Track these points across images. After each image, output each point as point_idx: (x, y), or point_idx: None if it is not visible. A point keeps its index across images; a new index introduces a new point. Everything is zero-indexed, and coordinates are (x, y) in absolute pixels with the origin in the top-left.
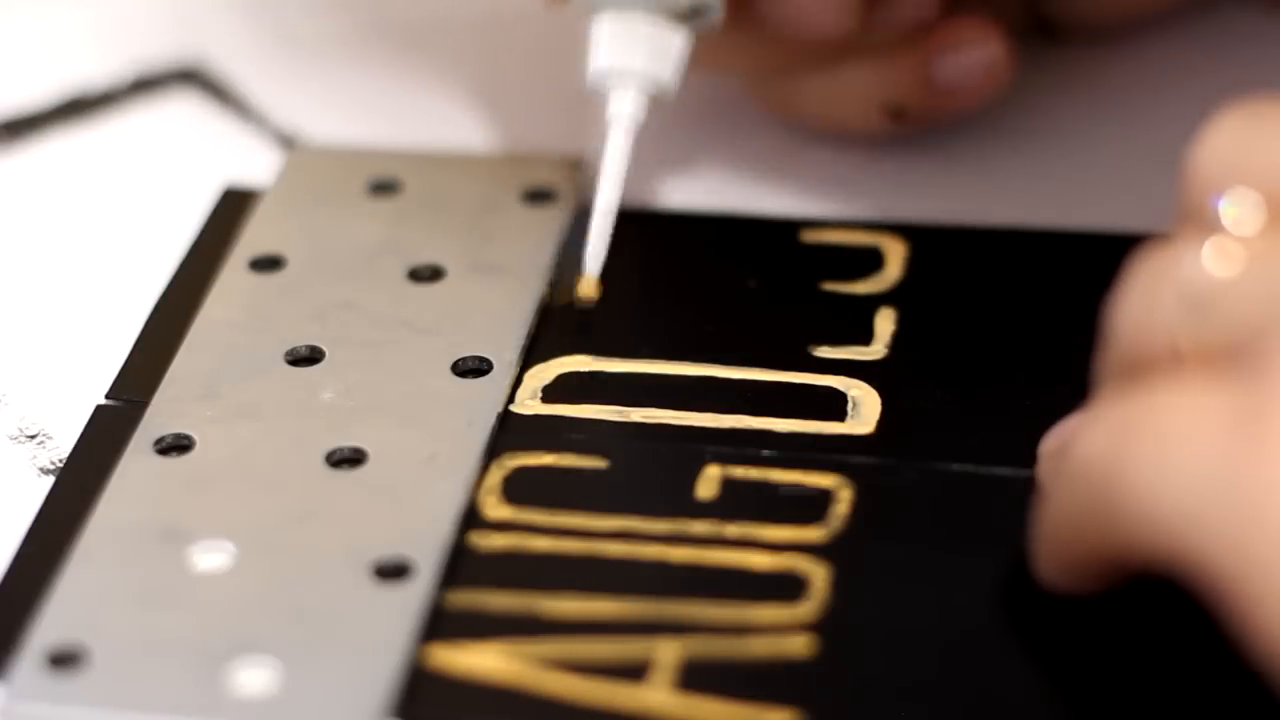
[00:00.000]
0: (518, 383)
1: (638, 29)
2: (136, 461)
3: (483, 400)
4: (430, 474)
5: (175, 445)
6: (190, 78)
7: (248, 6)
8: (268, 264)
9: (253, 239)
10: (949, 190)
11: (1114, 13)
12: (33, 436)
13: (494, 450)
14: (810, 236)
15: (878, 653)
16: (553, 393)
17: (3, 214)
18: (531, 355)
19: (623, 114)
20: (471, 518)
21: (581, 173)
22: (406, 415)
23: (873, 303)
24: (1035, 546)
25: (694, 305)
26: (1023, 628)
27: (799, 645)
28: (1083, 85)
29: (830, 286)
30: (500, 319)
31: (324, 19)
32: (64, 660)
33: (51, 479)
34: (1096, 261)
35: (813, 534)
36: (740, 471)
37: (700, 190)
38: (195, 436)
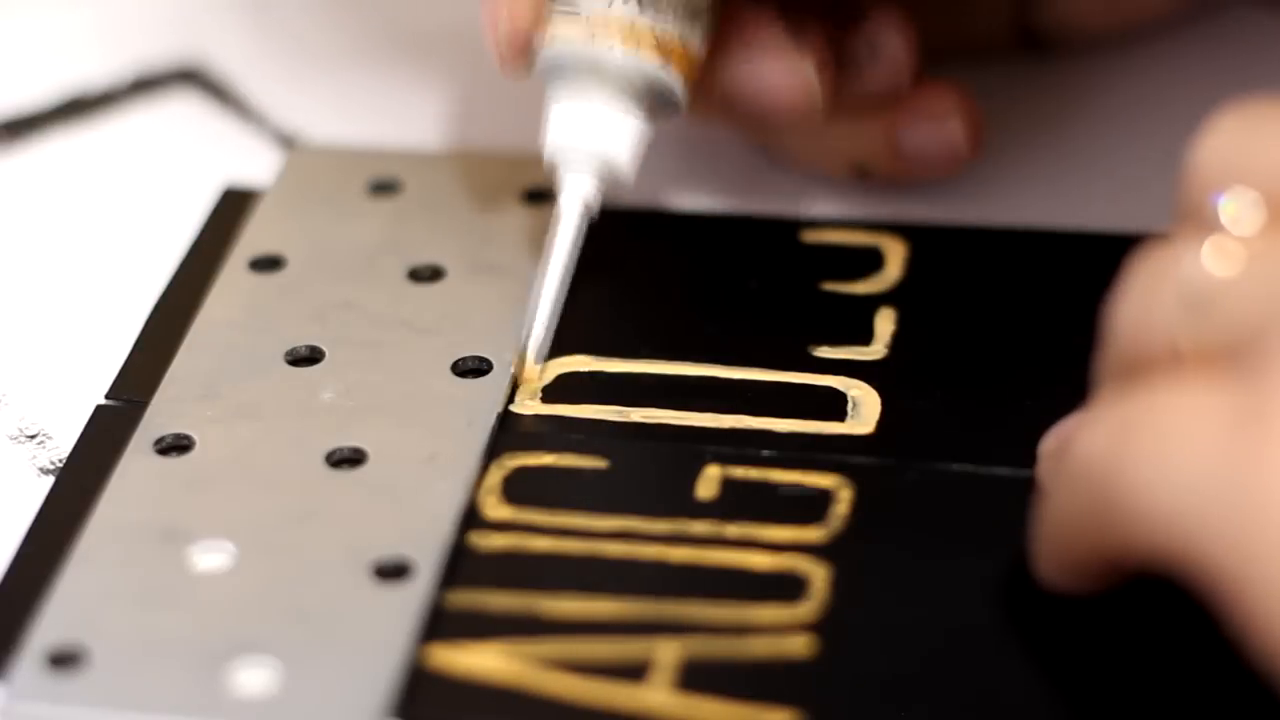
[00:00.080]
0: (517, 382)
1: (598, 115)
2: (136, 461)
3: (483, 400)
4: (430, 474)
5: (175, 445)
6: (190, 78)
7: (248, 7)
8: (268, 264)
9: (253, 239)
10: (949, 190)
11: (1101, 24)
12: (33, 436)
13: (494, 450)
14: (810, 236)
15: (877, 653)
16: (553, 393)
17: (3, 214)
18: None
19: (574, 200)
20: (471, 518)
21: None
22: (406, 415)
23: (873, 303)
24: (1035, 546)
25: (694, 305)
26: (1022, 628)
27: (799, 645)
28: (1082, 85)
29: (830, 286)
30: (500, 319)
31: (324, 19)
32: (64, 660)
33: (51, 479)
34: (1096, 261)
35: (813, 534)
36: (740, 471)
37: (700, 190)
38: (195, 436)
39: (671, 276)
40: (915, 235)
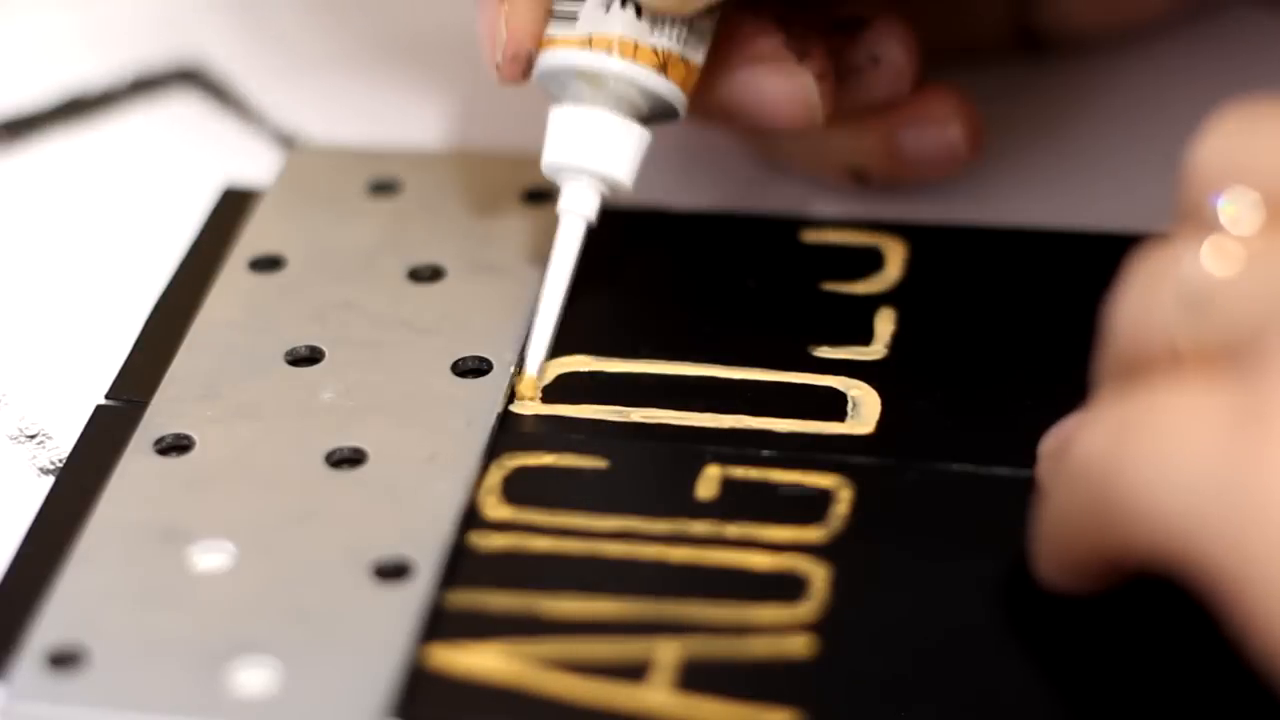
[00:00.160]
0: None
1: (597, 125)
2: (136, 461)
3: (482, 400)
4: (430, 474)
5: (175, 445)
6: (190, 78)
7: (248, 7)
8: (268, 264)
9: (253, 239)
10: (949, 190)
11: (1100, 25)
12: (33, 436)
13: (494, 450)
14: (810, 236)
15: (877, 653)
16: (553, 393)
17: (3, 214)
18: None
19: (573, 213)
20: (471, 518)
21: None
22: (406, 415)
23: (873, 303)
24: (1035, 546)
25: (694, 305)
26: (1022, 628)
27: (799, 645)
28: (1082, 85)
29: (830, 286)
30: (500, 319)
31: (324, 20)
32: (64, 660)
33: (51, 479)
34: (1096, 261)
35: (813, 534)
36: (740, 471)
37: (700, 190)
38: (195, 436)
39: (671, 276)
40: (915, 235)
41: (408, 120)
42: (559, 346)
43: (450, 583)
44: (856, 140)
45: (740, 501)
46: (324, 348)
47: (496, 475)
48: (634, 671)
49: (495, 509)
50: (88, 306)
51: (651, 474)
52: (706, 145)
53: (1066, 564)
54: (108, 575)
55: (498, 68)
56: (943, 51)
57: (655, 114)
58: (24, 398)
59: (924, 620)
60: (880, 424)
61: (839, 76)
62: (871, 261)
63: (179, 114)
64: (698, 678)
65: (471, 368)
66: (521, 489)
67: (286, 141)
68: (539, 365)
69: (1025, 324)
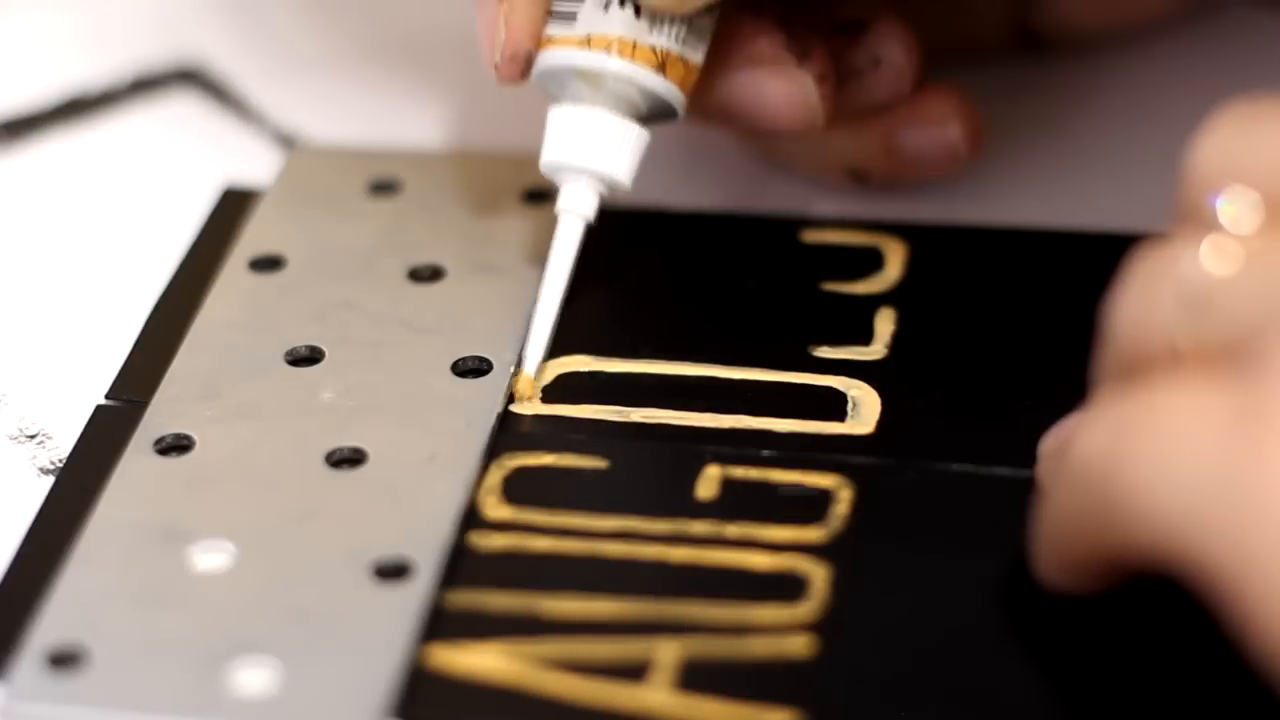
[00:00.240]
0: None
1: (595, 124)
2: (136, 461)
3: (482, 400)
4: (430, 474)
5: (175, 445)
6: (190, 78)
7: (247, 7)
8: (268, 264)
9: (253, 239)
10: (949, 190)
11: (1100, 24)
12: (33, 436)
13: (494, 450)
14: (810, 236)
15: (877, 653)
16: (553, 393)
17: (3, 214)
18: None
19: (572, 213)
20: (471, 518)
21: None
22: (406, 415)
23: (873, 303)
24: (1034, 546)
25: (694, 305)
26: (1022, 628)
27: (799, 645)
28: (1082, 85)
29: (830, 286)
30: (500, 319)
31: (324, 20)
32: (64, 660)
33: (51, 479)
34: (1096, 261)
35: (813, 534)
36: (740, 471)
37: (700, 190)
38: (195, 436)
39: (671, 276)
40: (915, 235)
41: (407, 120)
42: (559, 346)
43: (450, 583)
44: (856, 140)
45: (740, 501)
46: (324, 348)
47: (496, 475)
48: (634, 671)
49: (495, 509)
50: (88, 306)
51: (651, 474)
52: (706, 145)
53: (1066, 564)
54: (108, 575)
55: (497, 67)
56: (943, 51)
57: (654, 113)
58: (24, 398)
59: (924, 620)
60: (880, 424)
61: (839, 78)
62: (871, 261)
63: (179, 114)
64: (698, 678)
65: (471, 368)
66: (521, 489)
67: (286, 141)
68: (537, 365)
69: (1025, 324)
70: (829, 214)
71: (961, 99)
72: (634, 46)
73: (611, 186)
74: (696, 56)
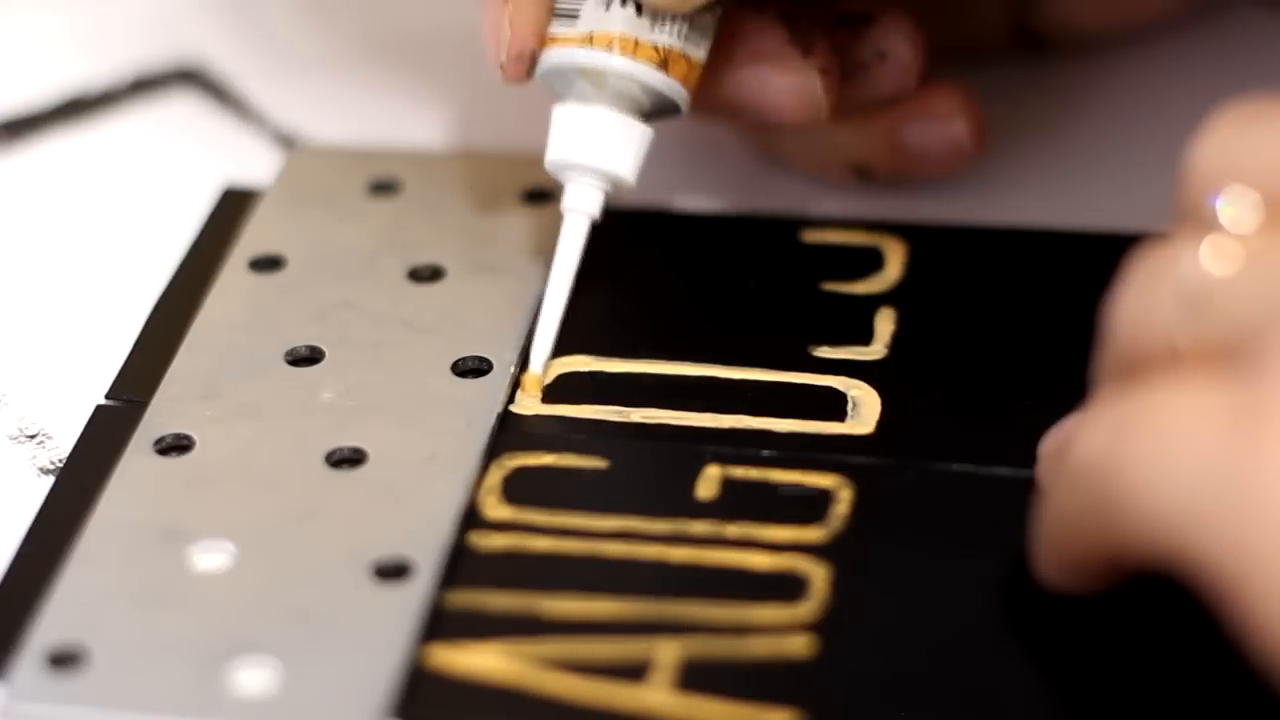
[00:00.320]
0: (518, 383)
1: (599, 122)
2: (136, 461)
3: (483, 400)
4: (430, 474)
5: (175, 445)
6: (190, 78)
7: (248, 7)
8: (268, 264)
9: (253, 239)
10: (949, 190)
11: (1100, 25)
12: (33, 436)
13: (494, 450)
14: (810, 236)
15: (877, 653)
16: (553, 393)
17: (3, 214)
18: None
19: (578, 211)
20: (471, 518)
21: None
22: (406, 415)
23: (873, 303)
24: (1035, 546)
25: (694, 305)
26: (1022, 628)
27: (799, 645)
28: (1082, 85)
29: (830, 286)
30: (500, 319)
31: (324, 20)
32: (64, 660)
33: (51, 479)
34: (1096, 261)
35: (813, 534)
36: (740, 471)
37: (700, 190)
38: (195, 436)
39: (671, 276)
40: (915, 235)
41: (408, 120)
42: (560, 346)
43: (450, 583)
44: (860, 136)
45: (740, 501)
46: (324, 348)
47: (496, 475)
48: (634, 671)
49: (495, 509)
50: (88, 306)
51: (651, 474)
52: (707, 145)
53: (1066, 564)
54: (108, 575)
55: (502, 67)
56: (942, 51)
57: (657, 110)
58: (24, 398)
59: (924, 620)
60: (880, 424)
61: (844, 72)
62: (871, 261)
63: (179, 114)
64: (698, 678)
65: (471, 368)
66: (521, 489)
67: (286, 141)
68: (543, 362)
69: (1025, 324)
70: (829, 214)
71: (966, 95)
72: (636, 44)
73: (616, 184)
74: (699, 53)
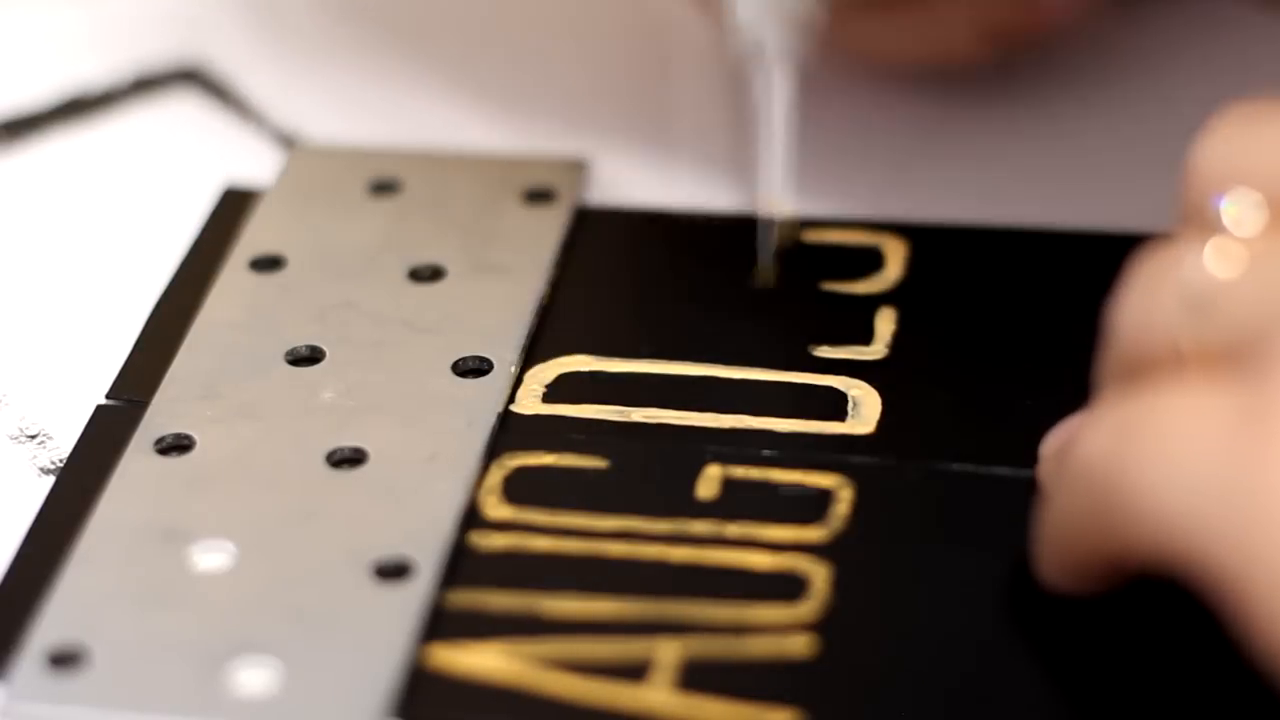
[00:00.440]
0: (518, 383)
1: None
2: (136, 461)
3: (483, 400)
4: (430, 474)
5: (175, 445)
6: (190, 78)
7: (248, 6)
8: (268, 264)
9: (253, 239)
10: (949, 190)
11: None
12: (33, 436)
13: (494, 450)
14: (810, 236)
15: (878, 653)
16: (553, 393)
17: (3, 214)
18: (532, 355)
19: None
20: (472, 518)
21: (581, 173)
22: (407, 415)
23: (873, 303)
24: (1036, 547)
25: (694, 305)
26: (1024, 628)
27: (799, 645)
28: (1083, 84)
29: (830, 286)
30: (500, 319)
31: (325, 19)
32: (64, 660)
33: (51, 479)
34: (1097, 261)
35: (813, 534)
36: (740, 471)
37: (701, 190)
38: (195, 436)
39: (671, 276)
40: (915, 235)
41: (408, 120)
42: (559, 346)
43: (450, 583)
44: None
45: (740, 501)
46: (324, 348)
47: (497, 475)
48: (634, 671)
49: (495, 509)
50: (88, 306)
51: (652, 474)
52: (708, 144)
53: (1068, 565)
54: (108, 575)
55: None
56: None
57: None
58: (24, 398)
59: (924, 620)
60: (880, 424)
61: None
62: (871, 261)
63: (179, 114)
64: (698, 677)
65: (472, 368)
66: (522, 489)
67: (287, 141)
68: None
69: (1025, 324)
70: (829, 214)
71: None
72: None
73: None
74: None
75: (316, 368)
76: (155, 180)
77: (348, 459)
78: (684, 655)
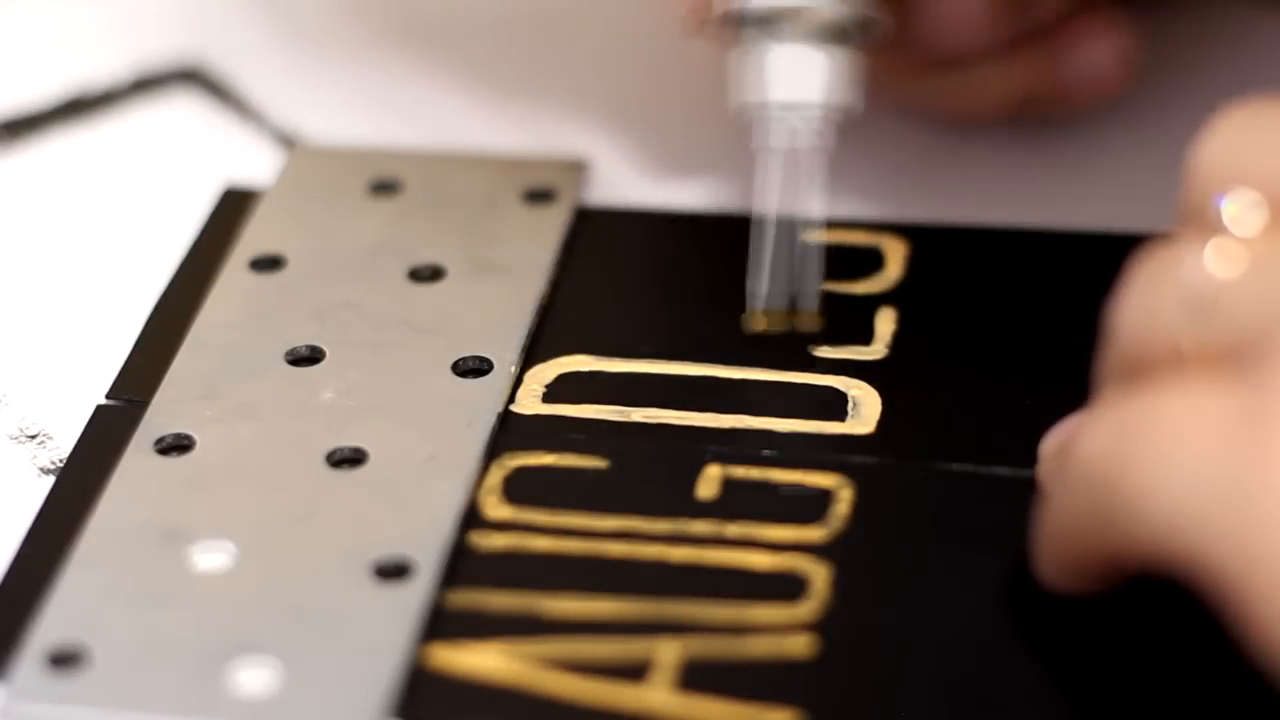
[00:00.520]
0: (518, 383)
1: (801, 58)
2: (136, 461)
3: (483, 400)
4: (430, 474)
5: (175, 445)
6: (190, 77)
7: (248, 6)
8: (268, 264)
9: (253, 239)
10: (949, 190)
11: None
12: (33, 436)
13: (494, 450)
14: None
15: (878, 653)
16: (553, 393)
17: (3, 214)
18: (531, 355)
19: (804, 146)
20: (472, 518)
21: (582, 173)
22: (407, 415)
23: (873, 303)
24: (1036, 547)
25: (694, 305)
26: (1023, 628)
27: (799, 645)
28: None
29: (830, 286)
30: (500, 319)
31: (325, 19)
32: (64, 660)
33: (51, 479)
34: (1097, 261)
35: (813, 534)
36: (740, 471)
37: (701, 190)
38: (195, 436)
39: (671, 276)
40: (915, 235)
41: (408, 120)
42: (559, 346)
43: (450, 583)
44: (1018, 70)
45: (740, 501)
46: (324, 348)
47: (497, 475)
48: (634, 671)
49: (495, 509)
50: (88, 306)
51: (652, 474)
52: (708, 144)
53: (1068, 564)
54: (108, 575)
55: (684, 20)
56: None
57: (852, 32)
58: (24, 398)
59: (924, 620)
60: (880, 424)
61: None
62: (871, 261)
63: (180, 114)
64: (698, 677)
65: (472, 368)
66: (522, 489)
67: (287, 141)
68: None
69: (1025, 324)
70: (829, 214)
71: (1114, 16)
72: None
73: (839, 111)
74: None
75: (316, 368)
76: (155, 180)
77: (348, 459)
78: (684, 655)
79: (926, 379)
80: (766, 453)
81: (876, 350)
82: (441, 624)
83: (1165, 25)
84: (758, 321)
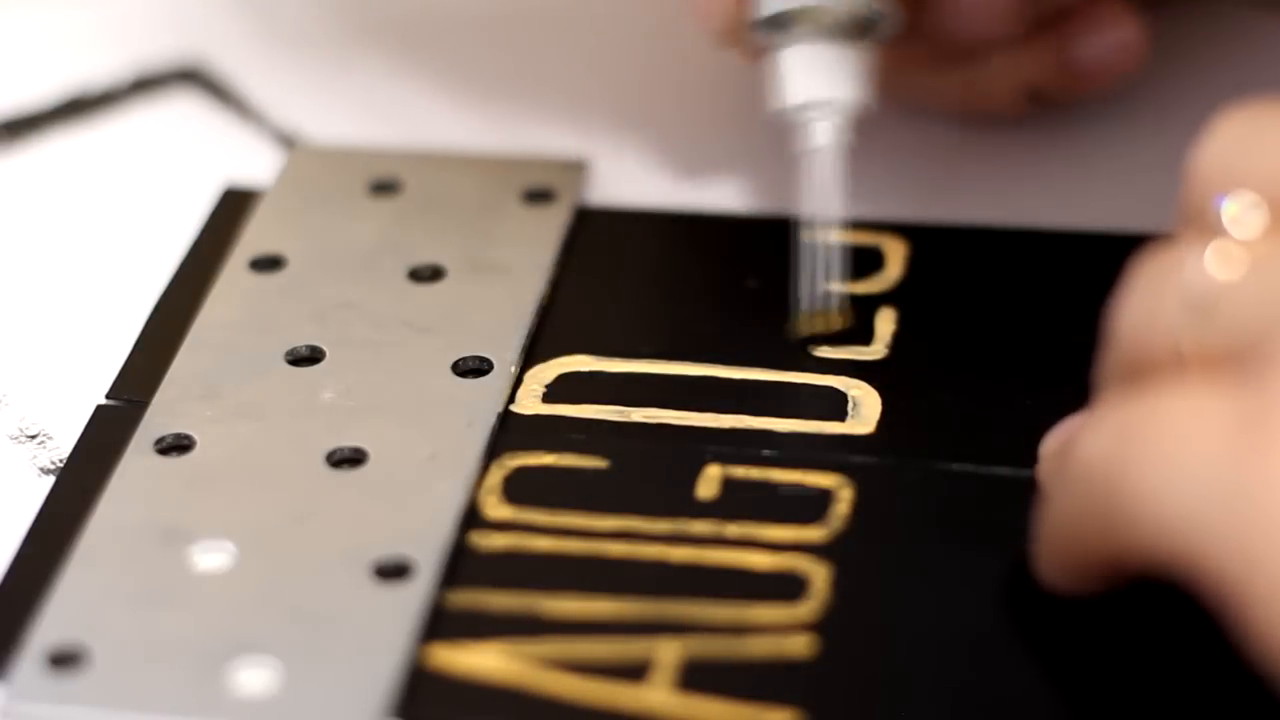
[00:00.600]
0: (518, 383)
1: (822, 57)
2: (136, 461)
3: (483, 400)
4: (430, 474)
5: (175, 445)
6: (190, 78)
7: (248, 6)
8: (268, 264)
9: (253, 239)
10: (949, 190)
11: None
12: (33, 436)
13: (494, 450)
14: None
15: (878, 653)
16: (553, 393)
17: (3, 214)
18: (531, 355)
19: (826, 144)
20: (472, 518)
21: (581, 173)
22: (407, 415)
23: (873, 303)
24: (1036, 547)
25: (694, 305)
26: (1023, 628)
27: (799, 645)
28: None
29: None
30: (500, 319)
31: (325, 19)
32: (64, 660)
33: (51, 479)
34: (1097, 261)
35: (813, 534)
36: (740, 471)
37: (701, 190)
38: (195, 436)
39: (671, 276)
40: (915, 235)
41: (408, 120)
42: (559, 346)
43: (450, 583)
44: (1028, 60)
45: (740, 501)
46: (324, 348)
47: (497, 475)
48: (634, 671)
49: (495, 509)
50: (88, 306)
51: (652, 474)
52: (708, 144)
53: (1068, 565)
54: (108, 575)
55: (713, 31)
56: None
57: (866, 27)
58: (24, 398)
59: (924, 620)
60: (880, 424)
61: None
62: (871, 261)
63: (179, 114)
64: (698, 677)
65: (472, 368)
66: (522, 489)
67: (287, 141)
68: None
69: (1025, 324)
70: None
71: (1127, 4)
72: None
73: (855, 109)
74: None
75: (316, 368)
76: (155, 180)
77: (348, 459)
78: (684, 655)
79: (926, 379)
80: (766, 453)
81: (876, 350)
82: (441, 624)
83: (1165, 25)
84: (806, 325)
